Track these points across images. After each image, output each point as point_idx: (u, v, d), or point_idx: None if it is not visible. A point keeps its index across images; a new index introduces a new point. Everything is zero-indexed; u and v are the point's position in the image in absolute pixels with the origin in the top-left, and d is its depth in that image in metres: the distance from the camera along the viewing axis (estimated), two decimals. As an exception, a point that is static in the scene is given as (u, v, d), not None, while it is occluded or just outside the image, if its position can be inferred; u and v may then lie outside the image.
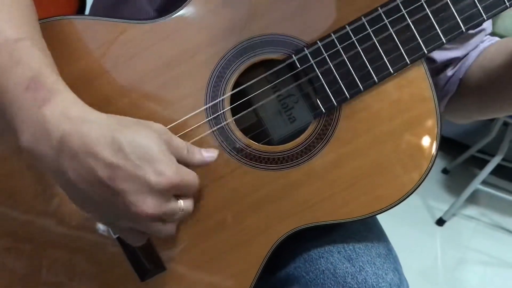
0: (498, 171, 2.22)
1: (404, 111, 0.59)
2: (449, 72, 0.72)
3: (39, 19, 0.55)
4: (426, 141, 0.59)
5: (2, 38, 0.49)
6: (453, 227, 2.20)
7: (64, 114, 0.47)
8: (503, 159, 2.15)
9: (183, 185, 0.50)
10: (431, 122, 0.59)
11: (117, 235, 0.60)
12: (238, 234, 0.60)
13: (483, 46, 0.72)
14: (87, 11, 0.88)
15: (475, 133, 2.46)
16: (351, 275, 0.61)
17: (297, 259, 0.66)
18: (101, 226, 0.61)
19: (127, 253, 0.60)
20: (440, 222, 2.20)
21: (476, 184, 2.16)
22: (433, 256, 2.06)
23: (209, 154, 0.56)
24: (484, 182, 2.20)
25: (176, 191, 0.50)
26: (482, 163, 2.23)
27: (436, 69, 0.74)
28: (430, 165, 0.59)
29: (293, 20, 0.58)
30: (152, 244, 0.60)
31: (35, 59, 0.49)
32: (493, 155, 2.17)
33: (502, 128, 2.21)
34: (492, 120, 2.27)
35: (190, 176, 0.51)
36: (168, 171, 0.48)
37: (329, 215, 0.60)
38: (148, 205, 0.47)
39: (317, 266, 0.63)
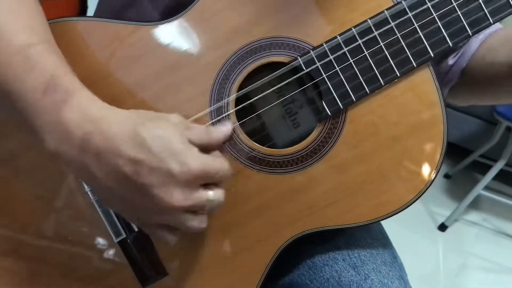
0: (501, 176, 2.21)
1: (410, 115, 0.58)
2: (450, 60, 0.71)
3: None
4: (432, 146, 0.59)
5: (16, 44, 0.49)
6: (455, 232, 2.19)
7: (84, 114, 0.47)
8: (506, 164, 2.14)
9: (210, 173, 0.49)
10: (437, 127, 0.58)
11: (118, 239, 0.59)
12: (242, 239, 0.59)
13: (483, 35, 0.70)
14: (89, 15, 0.88)
15: (477, 138, 2.45)
16: (356, 283, 0.60)
17: (301, 266, 0.65)
18: (100, 240, 0.60)
19: (128, 259, 0.59)
20: (442, 227, 2.19)
21: (478, 190, 2.15)
22: (434, 262, 2.05)
23: (225, 127, 0.56)
24: (487, 188, 2.19)
25: (203, 180, 0.49)
26: (485, 168, 2.22)
27: (436, 58, 0.71)
28: (436, 171, 0.58)
29: (298, 22, 0.58)
30: (154, 249, 0.60)
31: (49, 63, 0.49)
32: (495, 160, 2.16)
33: (505, 133, 2.20)
34: (495, 125, 2.26)
35: (216, 163, 0.50)
36: (191, 161, 0.47)
37: (334, 220, 0.59)
38: (175, 197, 0.47)
39: (321, 274, 0.62)
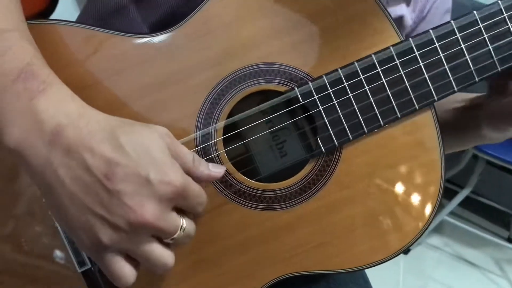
0: (465, 202, 2.23)
1: (407, 159, 0.55)
2: None
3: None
4: (427, 192, 0.56)
5: None
6: (417, 256, 2.20)
7: (60, 106, 0.42)
8: (471, 192, 2.16)
9: (190, 195, 0.44)
10: (434, 174, 0.55)
11: (82, 269, 0.54)
12: (218, 278, 0.55)
13: None
14: (59, 8, 0.82)
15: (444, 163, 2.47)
16: None
17: None
18: (58, 254, 0.54)
19: (92, 290, 0.54)
20: (405, 250, 2.19)
21: (443, 215, 2.17)
22: (395, 283, 2.05)
23: (216, 170, 0.49)
24: (451, 213, 2.21)
25: (182, 200, 0.43)
26: (450, 193, 2.24)
27: None
28: (430, 220, 0.56)
29: (298, 50, 0.54)
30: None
31: (25, 50, 0.44)
32: (460, 186, 2.18)
33: (472, 160, 2.22)
34: (462, 151, 2.29)
35: (197, 188, 0.45)
36: (172, 174, 0.42)
37: (319, 264, 0.55)
38: (148, 210, 0.41)
39: None
